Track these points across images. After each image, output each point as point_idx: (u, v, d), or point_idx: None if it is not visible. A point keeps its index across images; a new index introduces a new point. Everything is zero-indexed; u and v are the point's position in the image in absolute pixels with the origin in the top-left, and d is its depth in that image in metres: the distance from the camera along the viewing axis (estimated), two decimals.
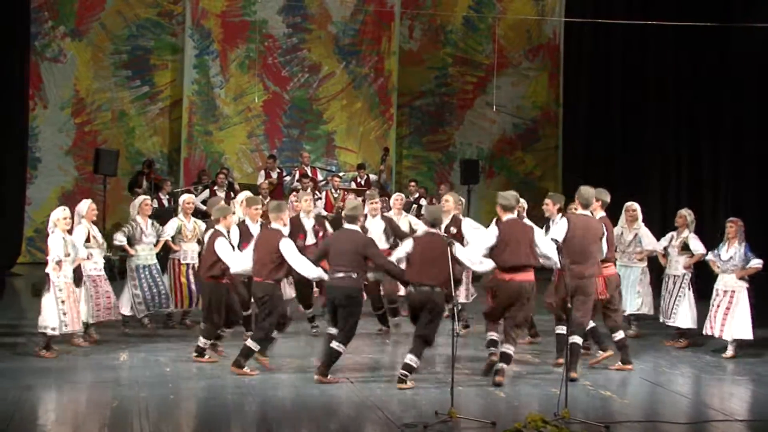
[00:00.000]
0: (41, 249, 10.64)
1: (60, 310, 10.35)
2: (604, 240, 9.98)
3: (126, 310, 11.78)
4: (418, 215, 14.93)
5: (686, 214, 11.94)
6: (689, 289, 11.77)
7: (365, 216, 12.30)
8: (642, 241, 12.02)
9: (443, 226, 10.86)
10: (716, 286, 11.41)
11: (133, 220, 11.89)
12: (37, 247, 17.17)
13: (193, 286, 11.99)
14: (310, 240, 12.24)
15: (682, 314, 11.74)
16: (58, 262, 10.35)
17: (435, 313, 9.42)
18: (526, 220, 10.71)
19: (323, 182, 17.95)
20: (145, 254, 11.85)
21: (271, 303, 9.77)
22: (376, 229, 12.12)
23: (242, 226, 11.33)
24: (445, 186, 18.01)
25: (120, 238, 11.72)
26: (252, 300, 10.51)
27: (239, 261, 10.07)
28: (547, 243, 9.69)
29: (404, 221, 12.76)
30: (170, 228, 12.07)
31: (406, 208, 15.10)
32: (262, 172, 18.07)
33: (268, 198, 11.97)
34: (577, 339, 9.86)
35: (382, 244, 11.75)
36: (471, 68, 20.45)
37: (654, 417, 8.71)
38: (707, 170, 16.78)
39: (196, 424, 8.53)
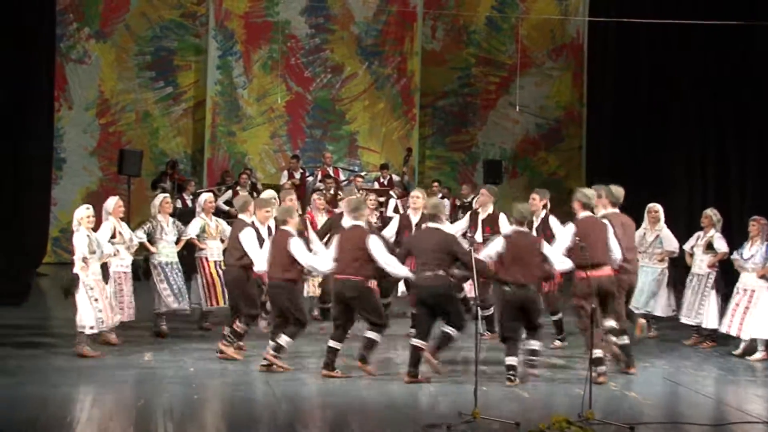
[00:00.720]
0: (67, 249, 10.72)
1: (95, 308, 10.40)
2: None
3: (157, 307, 11.72)
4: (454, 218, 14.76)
5: (712, 214, 11.90)
6: (713, 288, 11.71)
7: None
8: (663, 242, 12.01)
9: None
10: (738, 285, 11.37)
11: (154, 218, 11.87)
12: (63, 247, 17.30)
13: (223, 284, 12.01)
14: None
15: (706, 314, 11.68)
16: (85, 260, 10.41)
17: (537, 310, 9.63)
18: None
19: (345, 182, 17.98)
20: (166, 251, 11.82)
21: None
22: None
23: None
24: (467, 186, 18.01)
25: (140, 235, 11.68)
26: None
27: (320, 261, 10.01)
28: (614, 243, 9.79)
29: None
30: (194, 227, 12.08)
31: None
32: (285, 173, 18.12)
33: (294, 196, 11.93)
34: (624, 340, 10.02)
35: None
36: (494, 68, 20.42)
37: (678, 418, 8.66)
38: (734, 170, 16.65)
39: (221, 424, 8.56)
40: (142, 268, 11.66)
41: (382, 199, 17.00)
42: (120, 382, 9.61)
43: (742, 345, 11.21)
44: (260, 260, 10.15)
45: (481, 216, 11.81)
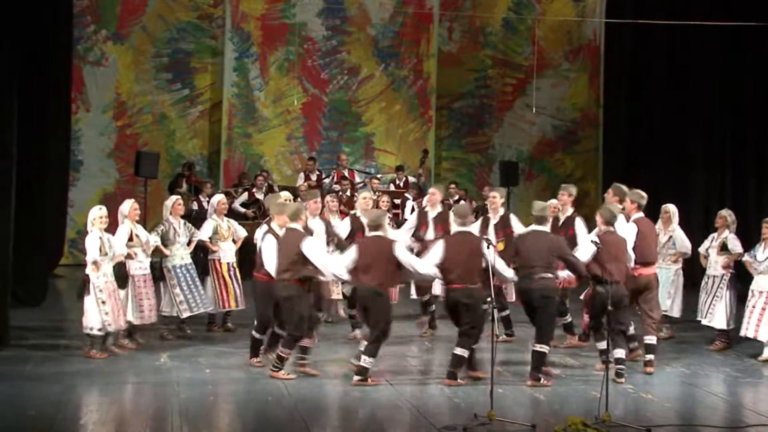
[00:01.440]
0: (83, 251, 10.71)
1: (102, 310, 10.40)
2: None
3: (168, 310, 11.73)
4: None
5: (726, 214, 11.85)
6: (727, 289, 11.65)
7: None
8: (675, 243, 11.98)
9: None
10: (752, 287, 11.29)
11: (166, 221, 11.81)
12: (79, 248, 17.23)
13: (237, 285, 12.02)
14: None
15: (718, 315, 11.63)
16: (95, 263, 10.42)
17: (626, 304, 9.95)
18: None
19: (361, 184, 17.96)
20: (180, 254, 11.79)
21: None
22: (318, 230, 11.77)
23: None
24: (489, 188, 17.86)
25: (153, 238, 11.66)
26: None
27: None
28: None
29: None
30: (206, 230, 12.07)
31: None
32: (302, 174, 18.13)
33: (319, 198, 11.86)
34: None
35: (325, 245, 11.30)
36: (510, 70, 20.37)
37: (694, 420, 8.65)
38: (751, 172, 16.56)
39: (236, 426, 8.57)
40: (158, 271, 11.64)
41: (397, 201, 16.99)
42: (136, 383, 9.64)
43: (766, 350, 11.10)
44: (335, 269, 9.78)
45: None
